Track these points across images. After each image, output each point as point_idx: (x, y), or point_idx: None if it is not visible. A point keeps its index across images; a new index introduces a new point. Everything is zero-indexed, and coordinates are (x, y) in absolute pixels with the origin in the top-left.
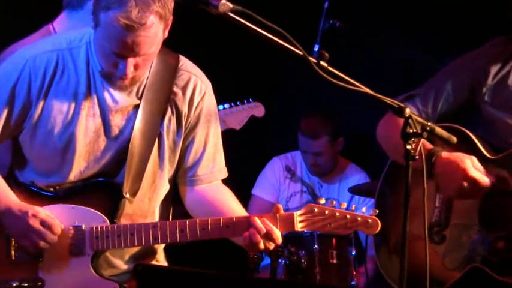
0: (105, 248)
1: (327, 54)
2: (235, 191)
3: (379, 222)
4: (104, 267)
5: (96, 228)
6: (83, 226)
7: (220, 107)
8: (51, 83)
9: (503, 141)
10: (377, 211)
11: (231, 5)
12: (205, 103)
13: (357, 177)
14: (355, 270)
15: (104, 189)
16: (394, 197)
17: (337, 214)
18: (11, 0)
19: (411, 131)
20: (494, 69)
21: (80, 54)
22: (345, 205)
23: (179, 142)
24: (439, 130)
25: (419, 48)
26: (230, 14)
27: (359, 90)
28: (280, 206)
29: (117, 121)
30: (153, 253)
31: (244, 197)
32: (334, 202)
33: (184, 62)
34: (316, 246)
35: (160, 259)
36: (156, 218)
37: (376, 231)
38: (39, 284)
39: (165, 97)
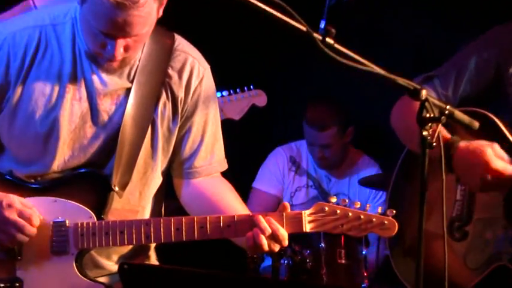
0: (91, 246)
1: (333, 30)
2: (234, 185)
3: (396, 224)
4: (90, 267)
5: (82, 224)
6: (67, 222)
7: (218, 94)
8: (33, 62)
9: None
10: (394, 211)
11: None
12: (203, 87)
13: (369, 170)
14: (366, 271)
15: (91, 181)
16: (409, 191)
17: (350, 214)
18: None
19: (428, 115)
20: None
21: (65, 31)
22: (358, 204)
23: (174, 130)
24: (459, 114)
25: (435, 26)
26: None
27: (369, 70)
28: (287, 204)
29: (105, 106)
30: (143, 252)
31: (245, 192)
32: (347, 201)
33: (181, 42)
34: (322, 245)
35: (152, 259)
36: (147, 213)
37: (393, 234)
38: (17, 284)
39: (159, 80)
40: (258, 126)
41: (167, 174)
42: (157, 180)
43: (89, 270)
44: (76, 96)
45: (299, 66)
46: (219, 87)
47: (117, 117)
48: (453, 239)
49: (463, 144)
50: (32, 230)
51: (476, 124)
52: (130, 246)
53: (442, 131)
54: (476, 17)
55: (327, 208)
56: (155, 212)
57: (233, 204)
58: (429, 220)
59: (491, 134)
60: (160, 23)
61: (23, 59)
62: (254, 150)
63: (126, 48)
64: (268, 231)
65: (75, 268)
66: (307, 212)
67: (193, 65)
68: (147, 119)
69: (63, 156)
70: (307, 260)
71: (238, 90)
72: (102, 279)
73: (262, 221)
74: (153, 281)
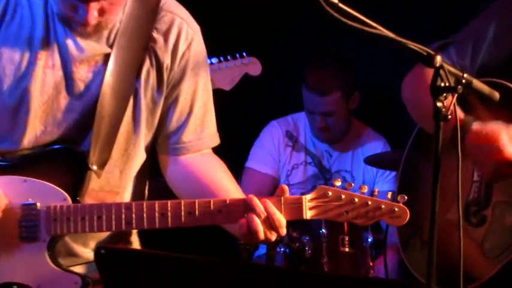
0: (65, 232)
1: None
2: (227, 163)
3: (408, 212)
4: (64, 255)
5: (55, 207)
6: (38, 204)
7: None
8: (0, 25)
9: None
10: (406, 197)
11: None
12: (192, 52)
13: (375, 144)
14: (372, 260)
15: (65, 158)
16: (422, 173)
17: (356, 200)
18: None
19: (442, 84)
20: None
21: None
22: (365, 189)
23: (159, 101)
24: (477, 83)
25: None
26: None
27: (378, 33)
28: (286, 188)
29: (82, 74)
30: (124, 238)
31: (238, 173)
32: (353, 185)
33: (167, 1)
34: (323, 231)
35: (134, 245)
36: (128, 195)
37: (404, 223)
38: None
39: (142, 45)
40: (252, 98)
41: (152, 150)
42: (140, 157)
43: (62, 259)
44: (48, 63)
45: (297, 29)
46: (208, 53)
47: (95, 87)
48: (470, 224)
49: (476, 126)
50: None
51: (496, 95)
52: (110, 232)
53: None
54: None
55: (330, 193)
56: (138, 193)
57: (226, 185)
58: (443, 205)
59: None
60: None
61: None
62: (247, 125)
63: (101, 12)
64: (264, 214)
65: (47, 257)
66: (308, 197)
67: (181, 27)
68: (128, 88)
69: (34, 131)
70: (306, 248)
71: (229, 57)
72: (78, 269)
73: (258, 204)
74: (134, 267)
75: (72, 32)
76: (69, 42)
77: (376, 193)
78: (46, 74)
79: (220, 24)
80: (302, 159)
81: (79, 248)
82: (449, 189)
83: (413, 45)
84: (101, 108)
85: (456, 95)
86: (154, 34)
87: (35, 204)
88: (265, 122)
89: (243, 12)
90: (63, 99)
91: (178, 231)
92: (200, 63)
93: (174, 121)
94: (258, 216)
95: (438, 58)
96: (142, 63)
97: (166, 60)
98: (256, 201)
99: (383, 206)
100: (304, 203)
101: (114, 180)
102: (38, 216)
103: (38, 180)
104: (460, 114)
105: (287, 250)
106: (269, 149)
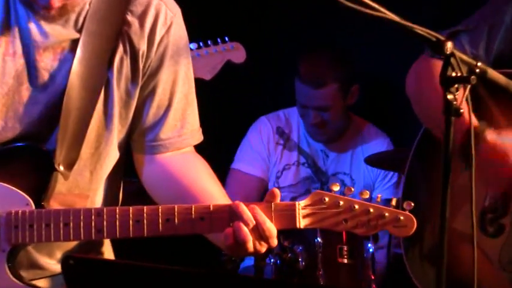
0: (28, 241)
1: None
2: (211, 164)
3: (415, 221)
4: (26, 267)
5: (16, 213)
6: None
7: None
8: None
9: None
10: (412, 204)
11: None
12: (171, 38)
13: (377, 143)
14: (374, 273)
15: (28, 158)
16: (429, 177)
17: (356, 207)
18: None
19: (454, 74)
20: None
21: None
22: (367, 194)
23: (134, 92)
24: (492, 73)
25: None
26: None
27: (380, 16)
28: (277, 192)
29: (46, 63)
30: (95, 248)
31: (225, 174)
32: (353, 189)
33: None
34: (319, 240)
35: (106, 256)
36: (100, 199)
37: (410, 233)
38: None
39: (114, 29)
40: (239, 91)
41: (126, 149)
42: (112, 156)
43: (24, 272)
44: (9, 50)
45: (289, 11)
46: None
47: (61, 77)
48: (485, 234)
49: (490, 137)
50: None
51: None
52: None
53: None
54: None
55: (327, 198)
56: (111, 197)
57: (209, 189)
58: (455, 214)
59: None
60: None
61: None
62: (234, 120)
63: None
64: (252, 222)
65: (7, 269)
66: (302, 203)
67: (158, 9)
68: (99, 78)
69: None
70: (300, 259)
71: (209, 42)
72: (42, 283)
73: (246, 211)
74: (108, 280)
75: (35, 16)
76: (32, 27)
77: (379, 199)
78: (6, 62)
79: (199, 5)
80: (295, 159)
81: (43, 259)
82: (456, 194)
83: (420, 29)
84: (68, 101)
85: (469, 87)
86: (129, 17)
87: None
88: (254, 117)
89: None
90: (26, 91)
91: (156, 241)
92: (181, 50)
93: (151, 115)
94: (246, 224)
95: (449, 44)
96: (115, 50)
97: (142, 47)
98: (244, 208)
99: (387, 214)
100: (297, 210)
101: (84, 183)
102: None
103: None
104: (475, 122)
105: (278, 261)
106: (257, 148)
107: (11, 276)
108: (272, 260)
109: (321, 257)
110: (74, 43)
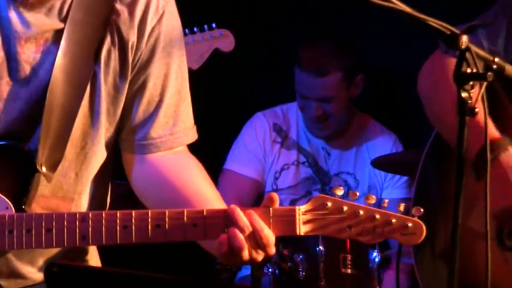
0: (8, 248)
1: None
2: (204, 164)
3: (424, 228)
4: (6, 276)
5: None
6: None
7: None
8: None
9: None
10: (422, 210)
11: None
12: (163, 28)
13: (383, 141)
14: (380, 284)
15: (8, 158)
16: (441, 181)
17: (361, 212)
18: None
19: (469, 70)
20: None
21: None
22: (373, 199)
23: (123, 87)
24: (511, 70)
25: None
26: None
27: (391, 7)
28: (276, 196)
29: (28, 55)
30: (81, 254)
31: (217, 174)
32: (358, 194)
33: None
34: (320, 248)
35: (92, 263)
36: (85, 203)
37: (419, 241)
38: None
39: (102, 18)
40: (233, 85)
41: (114, 148)
42: (99, 156)
43: (4, 281)
44: None
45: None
46: None
47: (44, 71)
48: (504, 247)
49: (506, 154)
50: None
51: None
52: (62, 248)
53: (489, 129)
54: None
55: (329, 203)
56: (97, 200)
57: (203, 192)
58: (469, 217)
59: None
60: None
61: None
62: (227, 117)
63: None
64: (249, 228)
65: None
66: (303, 208)
67: None
68: (85, 72)
69: None
70: (300, 269)
71: (195, 29)
72: None
73: (242, 216)
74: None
75: (15, 4)
76: (13, 16)
77: (385, 204)
78: None
79: None
80: (293, 158)
81: (25, 268)
82: (475, 199)
83: (434, 22)
84: (52, 97)
85: (485, 84)
86: (117, 5)
87: None
88: (249, 114)
89: None
90: (6, 86)
91: (146, 248)
92: (174, 41)
93: (141, 112)
94: (242, 231)
95: (464, 38)
96: (102, 42)
97: (132, 38)
98: (240, 213)
99: (394, 220)
100: (297, 216)
101: (68, 185)
102: None
103: None
104: (494, 134)
105: (277, 271)
106: (252, 147)
107: None
108: (270, 270)
109: (322, 266)
110: (58, 34)
